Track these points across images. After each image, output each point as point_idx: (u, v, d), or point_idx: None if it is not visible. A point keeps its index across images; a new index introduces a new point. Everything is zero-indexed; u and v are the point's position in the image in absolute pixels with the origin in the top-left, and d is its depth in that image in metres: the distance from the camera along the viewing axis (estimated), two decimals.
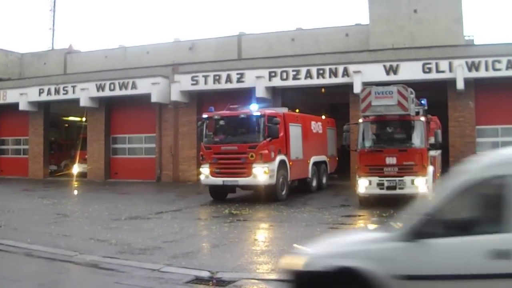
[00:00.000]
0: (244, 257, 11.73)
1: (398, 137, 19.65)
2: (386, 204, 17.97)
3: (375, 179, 18.96)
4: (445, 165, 24.14)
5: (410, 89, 18.64)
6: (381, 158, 18.99)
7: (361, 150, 19.56)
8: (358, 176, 19.50)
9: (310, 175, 24.67)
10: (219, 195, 22.80)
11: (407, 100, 18.24)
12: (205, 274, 10.09)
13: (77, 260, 11.59)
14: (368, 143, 19.84)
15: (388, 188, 18.76)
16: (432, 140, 20.05)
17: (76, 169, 36.84)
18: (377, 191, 19.06)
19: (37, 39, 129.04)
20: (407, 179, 18.55)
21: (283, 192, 22.07)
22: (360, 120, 19.93)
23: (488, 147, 27.53)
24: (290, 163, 22.63)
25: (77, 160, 37.05)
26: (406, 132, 19.71)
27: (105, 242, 13.56)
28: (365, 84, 24.09)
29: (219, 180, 21.69)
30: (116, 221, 17.24)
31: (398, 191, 18.51)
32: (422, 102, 20.75)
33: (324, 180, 26.58)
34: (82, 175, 36.65)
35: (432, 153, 20.48)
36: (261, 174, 20.92)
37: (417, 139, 19.28)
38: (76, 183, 34.15)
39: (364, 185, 19.20)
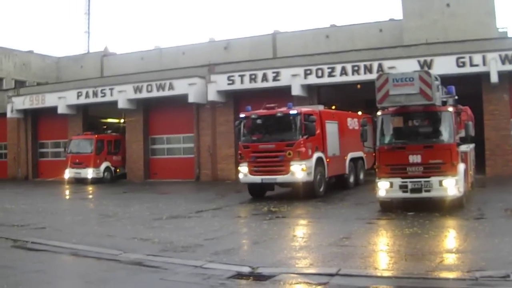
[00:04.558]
0: (283, 252, 11.91)
1: (422, 131, 17.21)
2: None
3: (397, 181, 16.57)
4: (480, 161, 23.81)
5: (434, 75, 16.50)
6: (403, 156, 16.56)
7: (380, 148, 17.21)
8: (378, 178, 17.10)
9: (347, 171, 24.74)
10: (258, 193, 23.07)
11: (431, 88, 15.90)
12: (246, 269, 10.32)
13: (122, 258, 11.88)
14: (388, 139, 17.44)
15: (413, 190, 16.38)
16: (462, 133, 18.07)
17: (67, 174, 35.41)
18: (400, 194, 16.75)
19: (73, 43, 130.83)
20: (434, 180, 16.16)
21: (321, 189, 22.21)
22: (378, 113, 17.57)
23: None
24: (327, 160, 22.77)
25: (68, 165, 35.39)
26: (432, 125, 17.19)
27: (148, 241, 13.85)
28: None
29: (257, 178, 21.95)
30: (157, 220, 17.53)
31: (424, 194, 16.37)
32: (450, 90, 17.86)
33: (361, 176, 26.53)
34: (121, 176, 36.54)
35: (463, 148, 17.95)
36: (299, 171, 21.09)
37: (445, 133, 16.81)
38: (112, 184, 34.55)
39: (384, 187, 16.81)
